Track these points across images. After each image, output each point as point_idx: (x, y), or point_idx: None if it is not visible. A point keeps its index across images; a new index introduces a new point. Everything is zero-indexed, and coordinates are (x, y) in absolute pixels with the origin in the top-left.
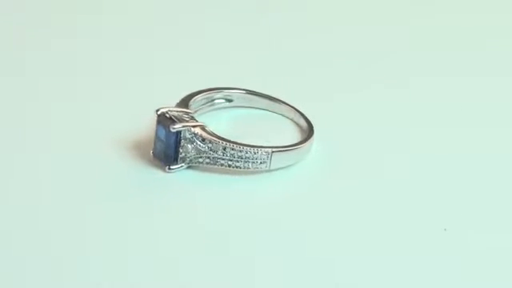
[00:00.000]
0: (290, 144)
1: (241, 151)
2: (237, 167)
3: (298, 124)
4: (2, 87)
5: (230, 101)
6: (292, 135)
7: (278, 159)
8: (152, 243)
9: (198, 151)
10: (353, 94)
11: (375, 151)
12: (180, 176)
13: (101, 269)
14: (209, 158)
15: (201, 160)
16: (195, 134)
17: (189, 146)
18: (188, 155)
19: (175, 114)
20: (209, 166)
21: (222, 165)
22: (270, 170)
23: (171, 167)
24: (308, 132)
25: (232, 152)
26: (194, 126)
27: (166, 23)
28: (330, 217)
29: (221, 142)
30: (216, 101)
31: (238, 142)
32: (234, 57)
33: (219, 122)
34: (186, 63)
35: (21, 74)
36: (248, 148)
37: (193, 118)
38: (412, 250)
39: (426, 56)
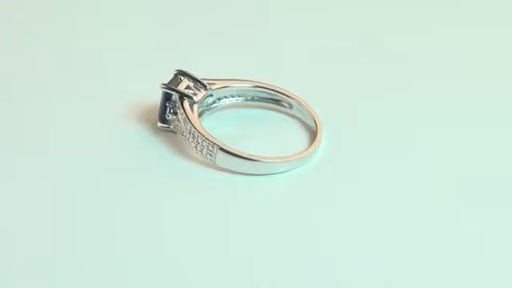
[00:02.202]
0: (244, 152)
1: (195, 134)
2: (191, 147)
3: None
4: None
5: (277, 101)
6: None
7: (225, 160)
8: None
9: (178, 119)
10: (360, 95)
11: (383, 152)
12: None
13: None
14: (180, 128)
15: (178, 128)
16: (177, 103)
17: (177, 110)
18: (172, 119)
19: (186, 80)
20: (179, 136)
21: (185, 138)
22: (218, 167)
23: (159, 124)
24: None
25: (191, 131)
26: (183, 95)
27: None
28: (330, 218)
29: (187, 117)
30: (259, 102)
31: (201, 127)
32: (241, 56)
33: (238, 116)
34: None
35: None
36: (200, 134)
37: (199, 92)
38: (416, 252)
39: (432, 58)
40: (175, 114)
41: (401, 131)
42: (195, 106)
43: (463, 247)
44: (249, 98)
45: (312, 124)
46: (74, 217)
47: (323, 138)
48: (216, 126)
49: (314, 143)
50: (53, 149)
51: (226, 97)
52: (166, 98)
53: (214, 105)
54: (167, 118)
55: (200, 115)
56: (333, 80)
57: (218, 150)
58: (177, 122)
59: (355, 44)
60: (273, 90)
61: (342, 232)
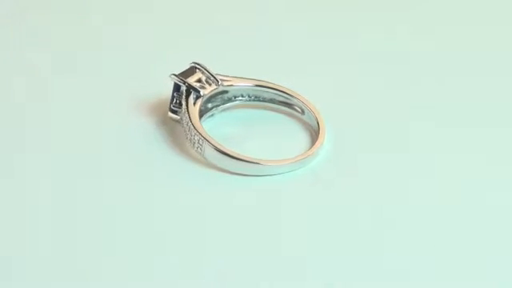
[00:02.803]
0: (233, 151)
1: (190, 127)
2: (185, 138)
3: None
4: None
5: (289, 105)
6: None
7: (213, 156)
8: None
9: (182, 110)
10: (361, 95)
11: (385, 153)
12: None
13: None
14: (182, 119)
15: (182, 119)
16: (183, 94)
17: (182, 102)
18: (178, 110)
19: (200, 73)
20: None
21: (184, 130)
22: (207, 163)
23: (168, 114)
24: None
25: (188, 123)
26: (190, 87)
27: None
28: (330, 218)
29: (187, 109)
30: (273, 104)
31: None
32: (244, 56)
33: (245, 115)
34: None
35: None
36: (193, 127)
37: (209, 87)
38: (416, 252)
39: (433, 57)
40: (181, 105)
41: (403, 131)
42: (199, 100)
43: (464, 247)
44: (266, 99)
45: (314, 124)
46: (74, 210)
47: (325, 138)
48: (221, 124)
49: (315, 144)
50: (52, 146)
51: (242, 95)
52: (176, 88)
53: (228, 102)
54: (172, 108)
55: (209, 110)
56: (334, 80)
57: (207, 146)
58: (181, 111)
59: (357, 44)
60: (277, 89)
61: (343, 232)
